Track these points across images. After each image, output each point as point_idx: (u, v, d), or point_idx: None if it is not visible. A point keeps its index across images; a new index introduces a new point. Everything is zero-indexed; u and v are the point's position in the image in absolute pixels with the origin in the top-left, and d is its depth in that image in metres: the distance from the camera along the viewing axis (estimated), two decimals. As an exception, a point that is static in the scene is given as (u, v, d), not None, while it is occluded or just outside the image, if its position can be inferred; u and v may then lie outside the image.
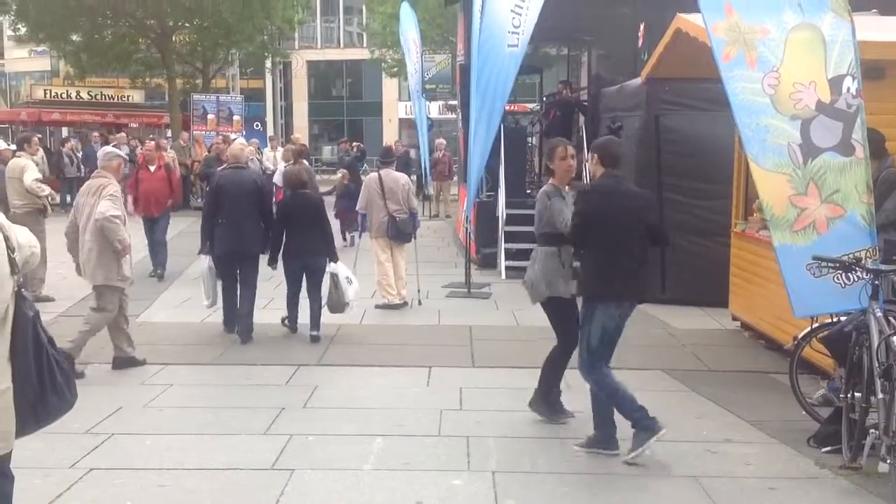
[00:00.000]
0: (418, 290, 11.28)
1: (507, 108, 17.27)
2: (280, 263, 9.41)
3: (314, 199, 9.70)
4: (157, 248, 13.13)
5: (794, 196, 6.06)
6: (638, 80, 11.71)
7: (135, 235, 10.14)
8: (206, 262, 9.43)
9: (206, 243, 9.33)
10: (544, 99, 19.18)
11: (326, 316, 10.30)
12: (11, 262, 3.07)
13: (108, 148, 9.48)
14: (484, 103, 11.23)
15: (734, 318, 9.70)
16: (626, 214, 5.76)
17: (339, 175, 17.28)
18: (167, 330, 9.63)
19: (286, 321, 9.55)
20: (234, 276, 9.33)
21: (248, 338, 9.04)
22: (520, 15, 11.15)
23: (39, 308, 3.41)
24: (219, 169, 11.06)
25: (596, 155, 5.97)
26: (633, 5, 15.32)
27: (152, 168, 13.29)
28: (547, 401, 6.53)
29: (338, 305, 9.34)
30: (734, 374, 8.01)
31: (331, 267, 9.26)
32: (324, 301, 9.34)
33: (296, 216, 9.20)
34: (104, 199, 7.70)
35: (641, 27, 14.28)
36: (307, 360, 8.39)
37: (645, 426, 5.68)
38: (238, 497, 5.17)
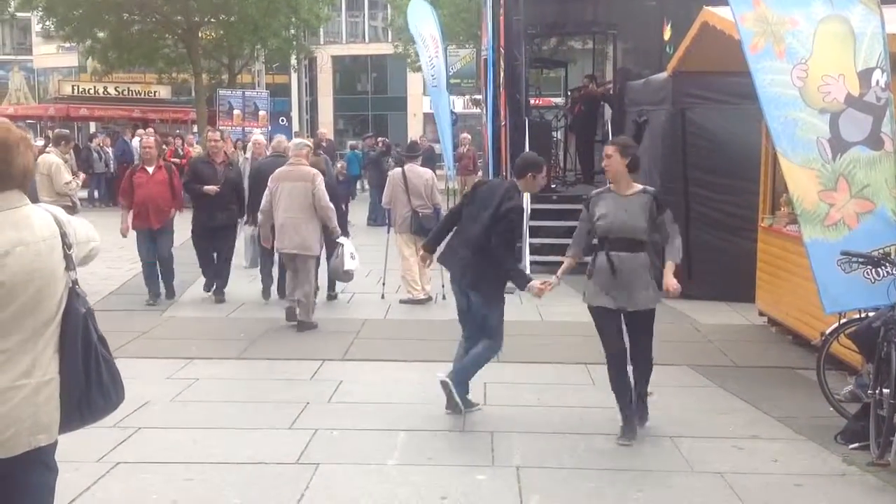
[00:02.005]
0: (442, 286, 11.27)
1: (532, 102, 17.31)
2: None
3: (329, 184, 10.38)
4: (163, 267, 10.81)
5: (822, 192, 6.00)
6: (664, 74, 11.64)
7: (125, 252, 10.66)
8: (249, 230, 11.69)
9: (250, 216, 11.01)
10: (569, 93, 19.13)
11: (352, 311, 10.38)
12: (67, 258, 3.08)
13: (298, 140, 11.18)
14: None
15: (761, 314, 9.63)
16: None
17: (338, 166, 17.62)
18: (193, 325, 9.69)
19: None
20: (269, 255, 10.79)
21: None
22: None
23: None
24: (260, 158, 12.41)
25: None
26: (658, -2, 15.25)
27: (150, 170, 10.68)
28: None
29: (338, 273, 9.90)
30: (761, 370, 7.96)
31: (340, 239, 9.86)
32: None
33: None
34: (319, 188, 9.34)
35: (667, 20, 14.19)
36: (332, 355, 8.41)
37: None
38: (264, 491, 5.20)
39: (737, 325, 9.73)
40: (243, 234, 11.94)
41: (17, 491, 3.09)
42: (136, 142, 22.66)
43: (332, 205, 9.45)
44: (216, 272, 11.01)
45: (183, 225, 11.41)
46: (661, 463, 5.63)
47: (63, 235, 3.08)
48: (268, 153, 12.63)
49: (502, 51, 14.03)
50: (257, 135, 14.72)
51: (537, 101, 19.91)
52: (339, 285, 11.07)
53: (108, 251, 12.03)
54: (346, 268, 9.78)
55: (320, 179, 9.47)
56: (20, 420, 2.96)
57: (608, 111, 16.21)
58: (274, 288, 11.01)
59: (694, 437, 6.07)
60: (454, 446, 5.95)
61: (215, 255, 11.01)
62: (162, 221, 10.64)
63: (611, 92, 16.58)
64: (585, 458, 5.73)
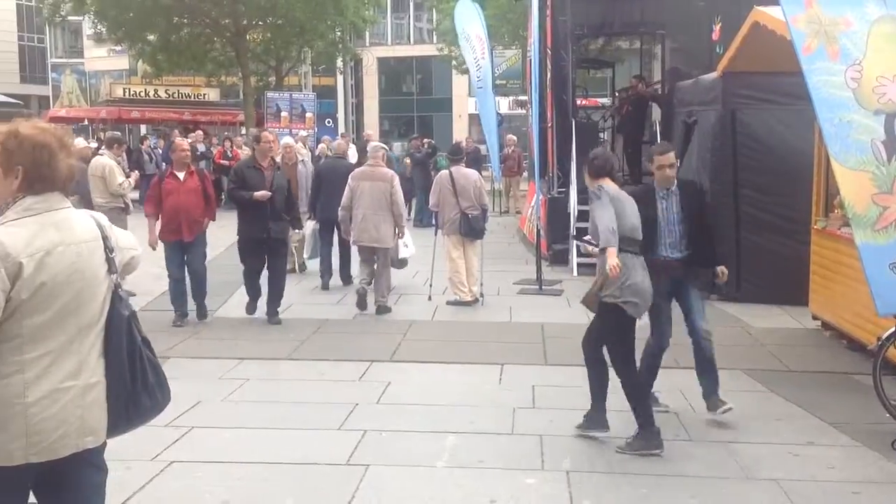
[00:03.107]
0: (481, 285, 11.24)
1: (579, 103, 17.22)
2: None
3: None
4: (194, 283, 9.87)
5: (877, 195, 5.89)
6: (714, 74, 11.52)
7: (150, 265, 8.86)
8: (311, 225, 12.08)
9: (313, 211, 11.91)
10: (616, 94, 19.00)
11: (399, 312, 10.42)
12: (109, 261, 3.13)
13: (374, 143, 11.95)
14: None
15: (814, 317, 9.48)
16: None
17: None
18: (243, 325, 9.78)
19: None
20: (331, 240, 12.04)
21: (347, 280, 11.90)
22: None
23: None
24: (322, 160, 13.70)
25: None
26: (708, -3, 15.07)
27: (182, 176, 9.71)
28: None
29: (394, 261, 11.03)
30: (815, 375, 7.84)
31: None
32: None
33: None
34: (396, 189, 10.32)
35: (717, 19, 14.03)
36: (380, 356, 8.44)
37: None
38: (315, 491, 5.23)
39: (790, 329, 9.59)
40: (306, 227, 12.20)
41: (68, 491, 3.13)
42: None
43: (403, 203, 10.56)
44: (271, 292, 9.95)
45: (215, 236, 11.00)
46: (714, 469, 5.57)
47: (105, 239, 3.14)
48: (330, 154, 14.22)
49: (549, 52, 13.98)
50: (287, 138, 14.72)
51: (584, 102, 19.81)
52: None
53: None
54: (400, 256, 11.19)
55: (397, 181, 10.46)
56: (68, 422, 2.99)
57: (656, 112, 16.07)
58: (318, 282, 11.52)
59: (748, 442, 6.00)
60: (503, 450, 5.93)
61: (266, 271, 10.02)
62: (194, 233, 9.66)
63: (659, 92, 16.44)
64: (637, 462, 5.68)
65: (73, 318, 3.01)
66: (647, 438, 5.83)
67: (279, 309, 9.93)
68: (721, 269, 6.54)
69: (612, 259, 5.63)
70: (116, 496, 5.01)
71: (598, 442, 6.06)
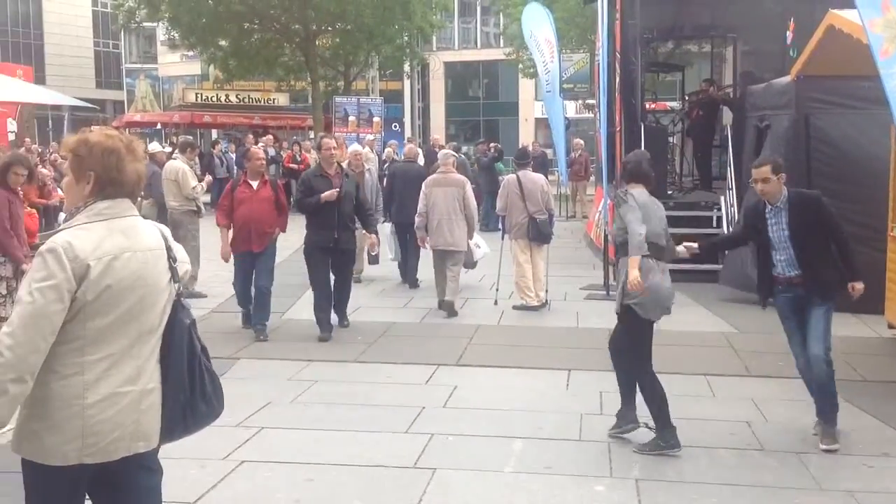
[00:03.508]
0: (546, 291, 11.18)
1: (648, 106, 17.06)
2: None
3: None
4: (257, 299, 9.41)
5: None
6: (787, 78, 11.32)
7: (224, 268, 9.88)
8: (388, 227, 12.84)
9: (387, 214, 12.69)
10: (686, 97, 18.77)
11: (465, 316, 10.45)
12: (172, 270, 3.21)
13: (446, 150, 12.36)
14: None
15: (890, 326, 9.26)
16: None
17: None
18: (312, 327, 9.89)
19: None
20: (406, 242, 12.51)
21: (414, 284, 12.44)
22: None
23: (192, 304, 3.57)
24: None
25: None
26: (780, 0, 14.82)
27: (255, 184, 9.42)
28: None
29: (468, 263, 11.66)
30: (891, 385, 7.65)
31: None
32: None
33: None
34: (469, 194, 10.80)
35: (791, 23, 13.79)
36: (446, 360, 8.47)
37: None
38: (383, 494, 5.28)
39: (865, 338, 9.37)
40: (382, 231, 12.62)
41: (123, 493, 3.19)
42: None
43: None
44: (338, 297, 9.69)
45: (285, 239, 10.46)
46: (787, 480, 5.47)
47: (168, 249, 3.21)
48: (396, 158, 15.02)
49: (618, 55, 13.87)
50: (355, 145, 14.90)
51: (653, 106, 19.61)
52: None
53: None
54: (475, 258, 11.88)
55: (469, 186, 10.92)
56: (123, 426, 3.04)
57: (727, 115, 15.83)
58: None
59: (822, 453, 5.88)
60: (571, 456, 5.91)
61: (332, 279, 9.67)
62: (264, 243, 9.32)
63: (731, 96, 16.20)
64: (707, 471, 5.62)
65: (135, 324, 3.08)
66: (666, 438, 5.87)
67: (347, 312, 9.97)
68: (854, 284, 6.18)
69: (634, 272, 5.76)
70: (189, 494, 5.14)
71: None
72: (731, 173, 13.38)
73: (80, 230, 3.03)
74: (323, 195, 9.16)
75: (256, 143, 24.24)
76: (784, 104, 11.25)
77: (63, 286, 2.91)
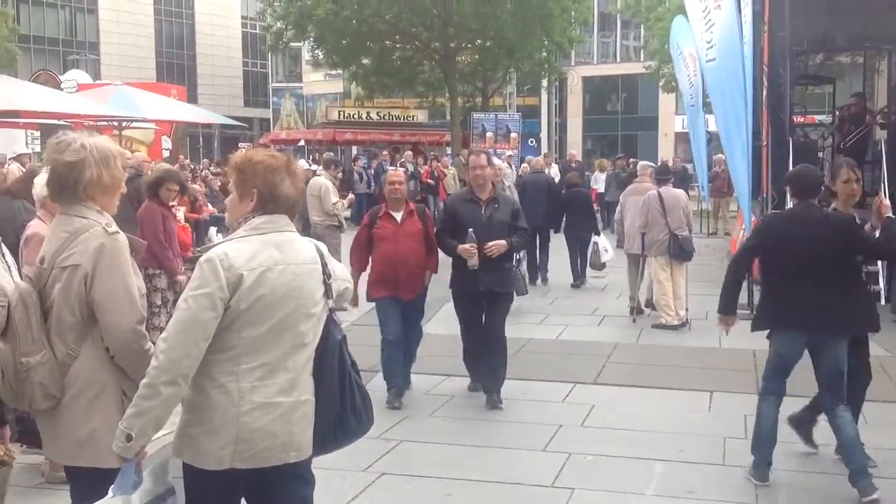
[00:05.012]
0: (686, 309, 10.90)
1: (796, 120, 16.46)
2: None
3: (585, 194, 14.93)
4: (407, 348, 7.73)
5: None
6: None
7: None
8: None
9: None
10: (836, 111, 18.05)
11: (603, 333, 10.32)
12: (326, 285, 3.29)
13: (644, 161, 13.70)
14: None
15: None
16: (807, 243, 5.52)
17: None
18: (450, 342, 9.92)
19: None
20: (534, 246, 13.33)
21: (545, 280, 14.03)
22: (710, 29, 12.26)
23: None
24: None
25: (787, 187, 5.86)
26: (942, 9, 14.08)
27: (398, 216, 7.43)
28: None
29: (596, 265, 13.14)
30: None
31: (593, 238, 13.26)
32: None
33: (572, 206, 13.92)
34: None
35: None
36: (583, 378, 8.38)
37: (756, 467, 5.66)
38: (520, 512, 5.26)
39: None
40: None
41: (277, 502, 3.29)
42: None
43: None
44: (486, 364, 7.63)
45: None
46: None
47: (324, 265, 3.30)
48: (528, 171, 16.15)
49: (765, 68, 13.44)
50: (494, 159, 15.05)
51: (801, 120, 18.92)
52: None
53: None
54: (602, 260, 13.00)
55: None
56: (275, 435, 3.14)
57: (881, 130, 15.12)
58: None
59: None
60: (714, 481, 5.74)
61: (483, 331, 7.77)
62: (415, 290, 7.51)
63: (885, 110, 15.46)
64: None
65: (289, 335, 3.16)
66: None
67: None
68: None
69: None
70: (331, 504, 5.24)
71: (817, 478, 5.76)
72: (884, 189, 12.74)
73: (238, 242, 3.17)
74: (460, 249, 7.23)
75: (393, 159, 24.53)
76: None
77: (216, 294, 3.04)
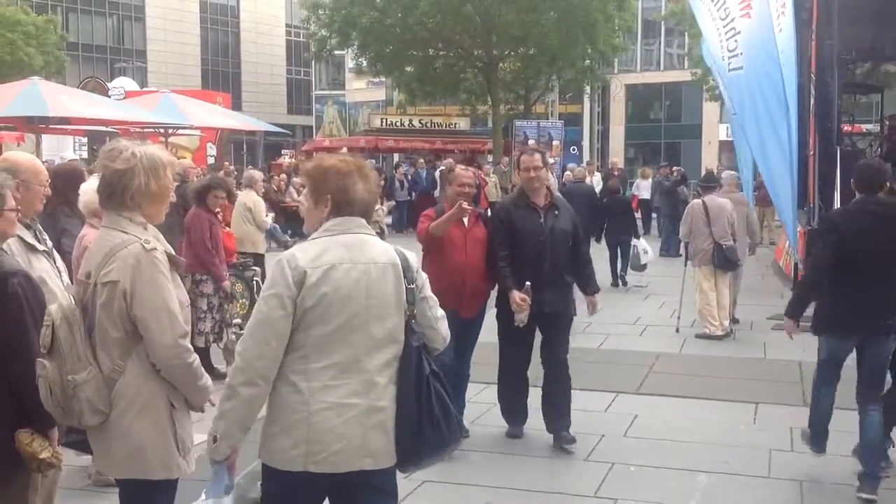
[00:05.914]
0: (731, 320, 10.78)
1: (844, 129, 16.25)
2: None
3: (625, 200, 15.91)
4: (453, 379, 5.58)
5: None
6: None
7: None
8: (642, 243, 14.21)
9: (598, 234, 14.34)
10: (885, 120, 17.78)
11: (646, 343, 10.26)
12: (408, 291, 3.26)
13: (730, 171, 13.80)
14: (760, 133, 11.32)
15: None
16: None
17: None
18: (487, 349, 9.91)
19: None
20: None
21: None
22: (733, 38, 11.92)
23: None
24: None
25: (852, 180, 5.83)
26: None
27: (466, 221, 6.39)
28: None
29: (636, 266, 13.91)
30: None
31: (633, 241, 14.06)
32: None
33: (612, 212, 14.58)
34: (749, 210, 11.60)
35: None
36: (626, 388, 8.33)
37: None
38: (562, 521, 5.23)
39: None
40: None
41: None
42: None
43: None
44: (546, 403, 6.70)
45: None
46: None
47: (405, 270, 3.26)
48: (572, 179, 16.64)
49: (813, 77, 13.29)
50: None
51: (848, 129, 18.66)
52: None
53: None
54: (642, 262, 13.71)
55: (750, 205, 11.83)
56: (348, 438, 3.09)
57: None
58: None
59: None
60: (760, 494, 5.67)
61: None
62: (477, 307, 6.53)
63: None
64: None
65: (359, 334, 3.14)
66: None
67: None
68: None
69: None
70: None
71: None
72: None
73: (307, 243, 3.23)
74: (513, 297, 6.26)
75: (432, 166, 24.50)
76: None
77: (284, 293, 3.08)
